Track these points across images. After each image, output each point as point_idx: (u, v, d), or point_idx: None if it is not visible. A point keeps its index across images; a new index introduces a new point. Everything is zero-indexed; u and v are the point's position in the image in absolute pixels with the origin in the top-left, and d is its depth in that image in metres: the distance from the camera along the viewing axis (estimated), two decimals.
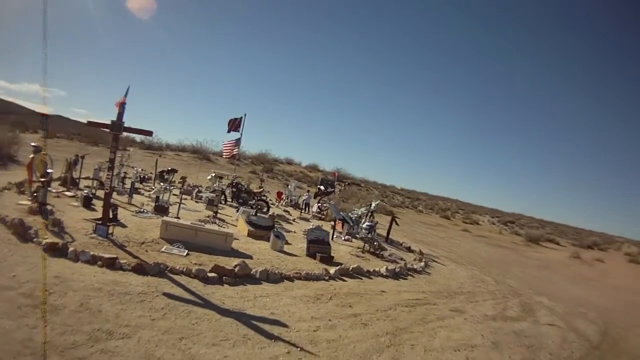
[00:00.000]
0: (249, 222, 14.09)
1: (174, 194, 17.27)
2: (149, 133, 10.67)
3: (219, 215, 15.66)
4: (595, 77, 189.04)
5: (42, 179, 11.68)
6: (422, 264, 15.59)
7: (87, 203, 13.03)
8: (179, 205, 14.75)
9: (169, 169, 21.15)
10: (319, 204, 24.85)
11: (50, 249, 8.17)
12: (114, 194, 11.90)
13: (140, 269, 8.22)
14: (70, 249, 8.29)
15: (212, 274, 8.78)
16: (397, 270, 13.27)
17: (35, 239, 8.60)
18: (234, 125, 20.32)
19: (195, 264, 9.37)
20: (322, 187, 29.92)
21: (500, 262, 25.88)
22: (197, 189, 21.54)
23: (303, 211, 24.34)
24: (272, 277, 9.64)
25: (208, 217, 15.03)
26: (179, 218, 12.98)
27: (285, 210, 22.69)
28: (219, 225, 13.75)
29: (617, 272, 32.33)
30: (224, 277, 8.82)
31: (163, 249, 9.97)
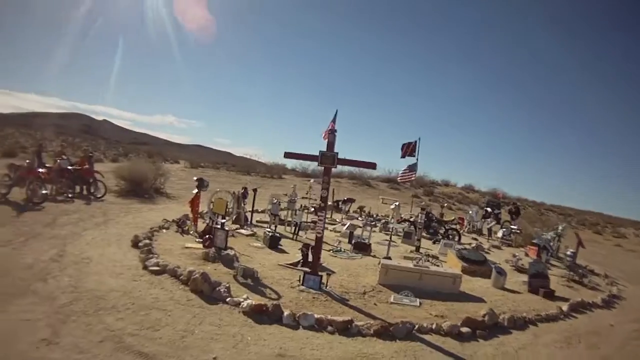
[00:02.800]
0: (462, 257, 12.04)
1: (358, 226, 15.37)
2: (372, 165, 8.99)
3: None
4: None
5: (224, 221, 10.62)
6: (615, 288, 13.28)
7: (273, 244, 11.48)
8: (389, 244, 12.59)
9: (345, 198, 19.61)
10: (504, 229, 21.99)
11: (254, 313, 6.48)
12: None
13: (385, 332, 6.40)
14: (286, 312, 6.48)
15: (465, 329, 7.08)
16: (607, 299, 11.41)
17: (228, 299, 6.86)
18: (409, 149, 18.41)
19: (436, 315, 7.72)
20: (488, 209, 27.45)
21: None
22: (383, 220, 19.57)
23: (489, 238, 21.76)
24: (518, 323, 7.97)
25: (415, 253, 13.29)
26: (390, 258, 10.97)
27: (473, 238, 20.29)
28: (432, 263, 11.66)
29: None
30: (477, 331, 7.12)
31: (391, 300, 8.19)
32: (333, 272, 9.35)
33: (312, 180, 24.05)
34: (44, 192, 13.77)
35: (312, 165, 39.49)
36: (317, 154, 8.39)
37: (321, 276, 8.23)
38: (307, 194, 19.33)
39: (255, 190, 15.90)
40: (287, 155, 8.96)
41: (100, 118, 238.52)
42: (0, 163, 25.34)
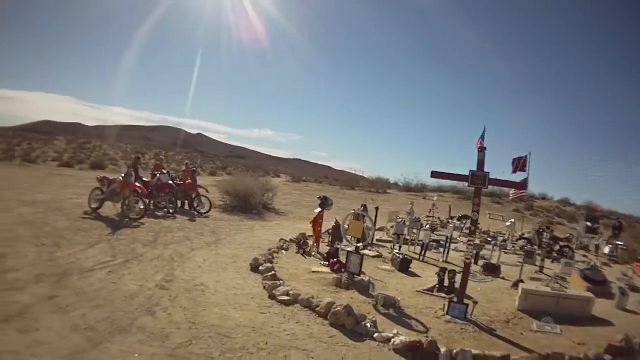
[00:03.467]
0: (585, 278, 11.35)
1: (484, 246, 14.73)
2: (524, 186, 8.84)
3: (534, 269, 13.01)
4: None
5: (359, 245, 9.69)
6: None
7: (404, 267, 10.73)
8: (522, 266, 11.85)
9: (462, 215, 19.16)
10: (610, 246, 21.15)
11: (407, 350, 5.77)
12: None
13: None
14: (443, 349, 5.76)
15: (608, 357, 6.55)
16: None
17: (376, 335, 6.07)
18: (519, 164, 18.03)
19: (579, 343, 7.13)
20: (589, 224, 26.45)
21: None
22: (501, 238, 18.51)
23: (597, 255, 20.47)
24: None
25: (539, 274, 12.65)
26: (522, 281, 10.33)
27: (583, 256, 18.97)
28: (561, 285, 11.07)
29: None
30: (617, 358, 6.58)
31: (535, 328, 7.64)
32: (474, 300, 8.30)
33: (435, 198, 23.54)
34: (141, 207, 13.14)
35: (415, 181, 39.76)
36: (467, 173, 8.02)
37: (467, 305, 7.56)
38: (430, 212, 19.01)
39: (377, 209, 14.87)
40: (435, 174, 8.60)
41: (194, 132, 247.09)
42: (88, 175, 25.37)
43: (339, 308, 6.42)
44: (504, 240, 18.01)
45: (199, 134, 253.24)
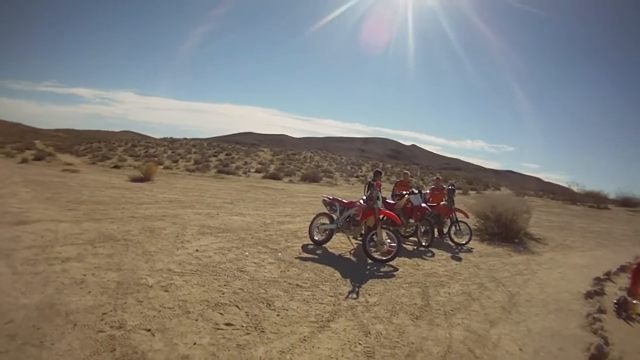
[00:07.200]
0: None
1: None
2: None
3: None
4: None
5: None
6: None
7: None
8: None
9: None
10: None
11: None
12: None
13: None
14: None
15: None
16: None
17: None
18: None
19: None
20: None
21: None
22: None
23: None
24: None
25: None
26: None
27: None
28: None
29: None
30: None
31: None
32: None
33: None
34: (391, 243, 9.10)
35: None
36: None
37: None
38: None
39: None
40: None
41: (408, 143, 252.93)
42: (299, 189, 23.86)
43: None
44: None
45: (412, 145, 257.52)
